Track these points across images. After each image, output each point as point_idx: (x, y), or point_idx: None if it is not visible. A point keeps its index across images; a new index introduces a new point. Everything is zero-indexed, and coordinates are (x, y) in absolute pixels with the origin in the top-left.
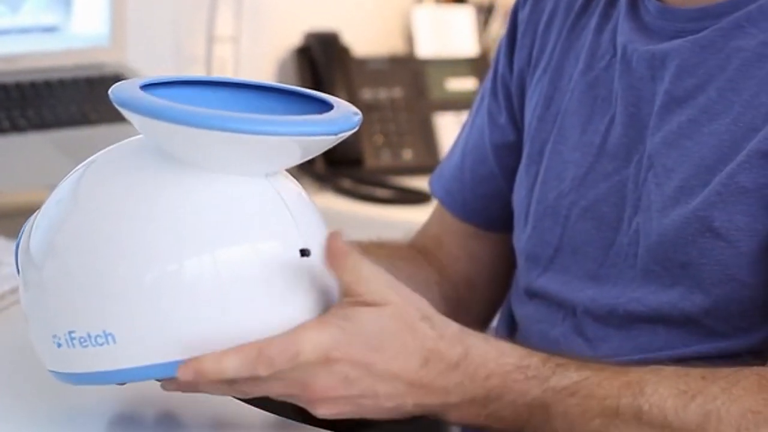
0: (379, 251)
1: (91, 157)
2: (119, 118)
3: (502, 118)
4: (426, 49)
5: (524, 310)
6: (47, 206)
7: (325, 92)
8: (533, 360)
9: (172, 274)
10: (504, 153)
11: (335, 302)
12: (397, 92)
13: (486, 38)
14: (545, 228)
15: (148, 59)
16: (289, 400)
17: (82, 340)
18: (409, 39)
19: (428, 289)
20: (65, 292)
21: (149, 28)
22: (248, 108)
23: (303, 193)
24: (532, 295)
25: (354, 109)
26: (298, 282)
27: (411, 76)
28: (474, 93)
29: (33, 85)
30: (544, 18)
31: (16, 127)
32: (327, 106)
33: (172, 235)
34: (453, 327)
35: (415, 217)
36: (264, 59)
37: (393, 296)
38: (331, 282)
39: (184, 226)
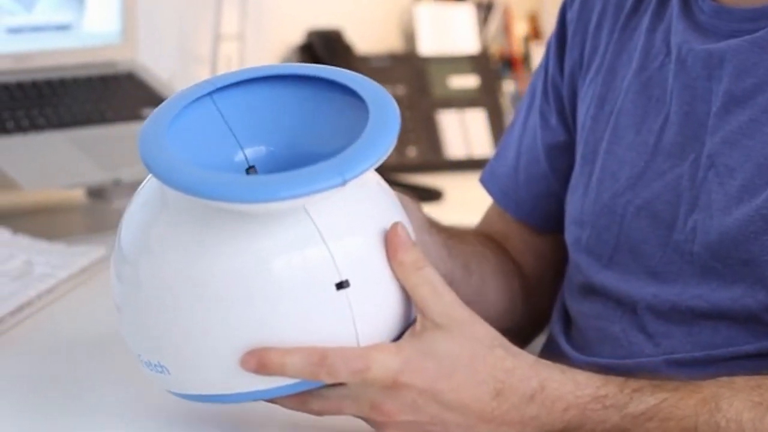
0: (466, 238)
1: None
2: (135, 117)
3: (553, 119)
4: (427, 46)
5: (581, 307)
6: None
7: None
8: (610, 388)
9: (224, 317)
10: (555, 154)
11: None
12: (400, 90)
13: (485, 36)
14: (602, 227)
15: (155, 57)
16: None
17: (146, 363)
18: (411, 37)
19: (512, 279)
20: (133, 323)
21: (155, 27)
22: (294, 110)
23: (356, 206)
24: (589, 291)
25: (391, 134)
26: (339, 315)
27: (413, 73)
28: (475, 91)
29: (49, 84)
30: (594, 18)
31: (35, 126)
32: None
33: (222, 288)
34: (526, 358)
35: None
36: (267, 57)
37: (463, 317)
38: (389, 288)
39: (230, 278)
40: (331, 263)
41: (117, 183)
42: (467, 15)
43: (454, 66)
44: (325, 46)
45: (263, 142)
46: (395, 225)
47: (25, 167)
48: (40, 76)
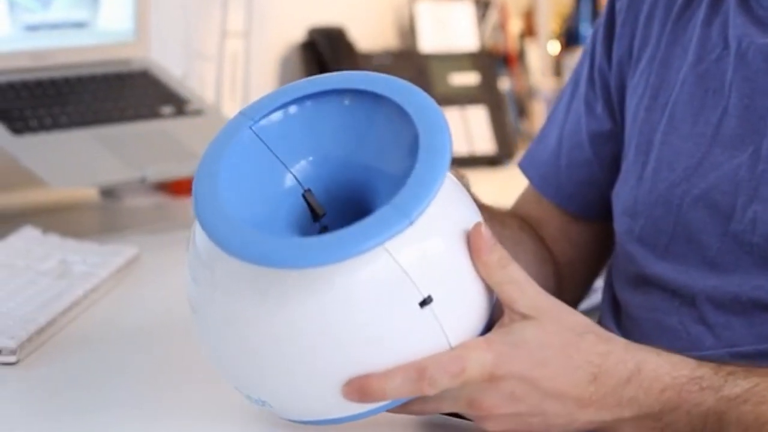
0: (505, 221)
1: None
2: (154, 115)
3: (599, 107)
4: (428, 44)
5: (633, 298)
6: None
7: None
8: (705, 370)
9: (320, 354)
10: (600, 141)
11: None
12: None
13: (484, 33)
14: (658, 216)
15: (161, 54)
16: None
17: (247, 397)
18: (411, 34)
19: (546, 265)
20: (228, 363)
21: (161, 23)
22: (337, 123)
23: (427, 219)
24: (643, 282)
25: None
26: (428, 329)
27: (415, 71)
28: (476, 88)
29: (67, 82)
30: (645, 9)
31: (57, 124)
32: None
33: (312, 332)
34: (619, 342)
35: None
36: (270, 55)
37: (551, 307)
38: (476, 296)
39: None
40: (410, 285)
41: (143, 181)
42: (466, 12)
43: (454, 63)
44: (328, 44)
45: (312, 161)
46: (478, 226)
47: (52, 166)
48: (57, 74)
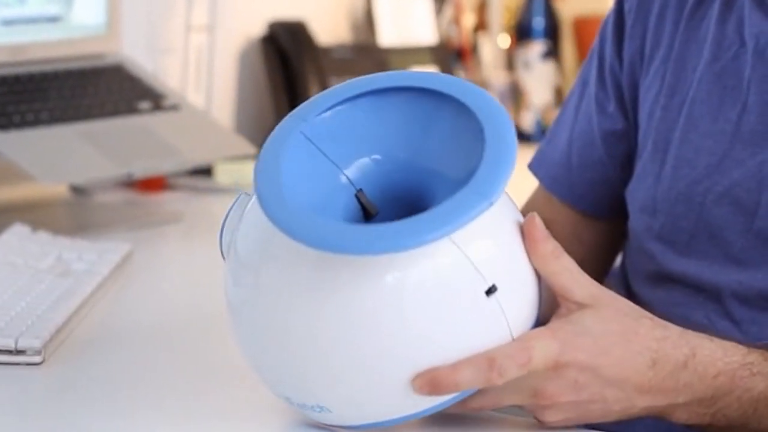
0: None
1: None
2: (133, 110)
3: (611, 107)
4: (388, 37)
5: (654, 295)
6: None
7: (296, 82)
8: (755, 356)
9: (385, 349)
10: (613, 140)
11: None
12: None
13: (441, 26)
14: (678, 214)
15: (126, 48)
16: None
17: (299, 405)
18: (370, 28)
19: None
20: (276, 369)
21: (127, 18)
22: (388, 122)
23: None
24: (664, 279)
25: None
26: (493, 319)
27: (375, 64)
28: None
29: (45, 76)
30: (656, 9)
31: (39, 120)
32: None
33: (372, 318)
34: (674, 327)
35: None
36: (231, 49)
37: (604, 294)
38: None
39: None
40: (476, 274)
41: (129, 178)
42: (424, 6)
43: (413, 57)
44: (289, 38)
45: (366, 160)
46: (532, 217)
47: (41, 162)
48: (35, 69)
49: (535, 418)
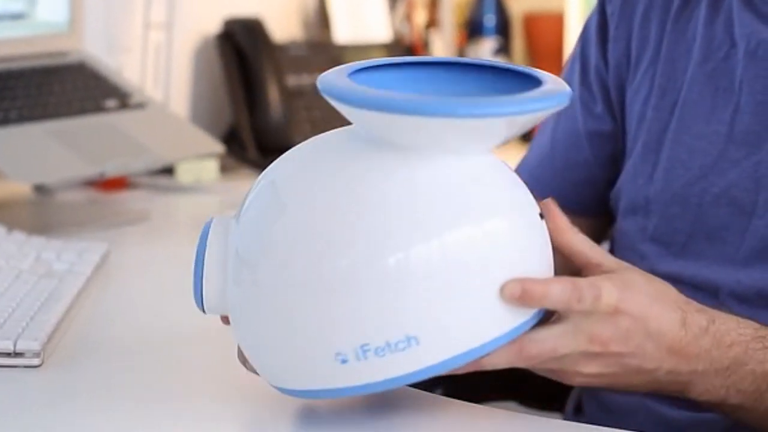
0: None
1: (287, 154)
2: (100, 108)
3: (598, 108)
4: (343, 34)
5: None
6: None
7: (253, 79)
8: (766, 331)
9: (481, 268)
10: (600, 141)
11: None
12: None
13: (394, 23)
14: (674, 215)
15: (85, 46)
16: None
17: (379, 350)
18: (326, 25)
19: None
20: (347, 310)
21: (85, 15)
22: (452, 88)
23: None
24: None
25: (560, 81)
26: (545, 243)
27: (330, 61)
28: None
29: (10, 75)
30: (640, 10)
31: (8, 119)
32: (526, 80)
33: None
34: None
35: None
36: (187, 46)
37: (629, 265)
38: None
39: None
40: (530, 196)
41: (102, 176)
42: (378, 3)
43: (368, 54)
44: (246, 35)
45: None
46: (548, 199)
47: (14, 161)
48: (1, 67)
49: (562, 378)
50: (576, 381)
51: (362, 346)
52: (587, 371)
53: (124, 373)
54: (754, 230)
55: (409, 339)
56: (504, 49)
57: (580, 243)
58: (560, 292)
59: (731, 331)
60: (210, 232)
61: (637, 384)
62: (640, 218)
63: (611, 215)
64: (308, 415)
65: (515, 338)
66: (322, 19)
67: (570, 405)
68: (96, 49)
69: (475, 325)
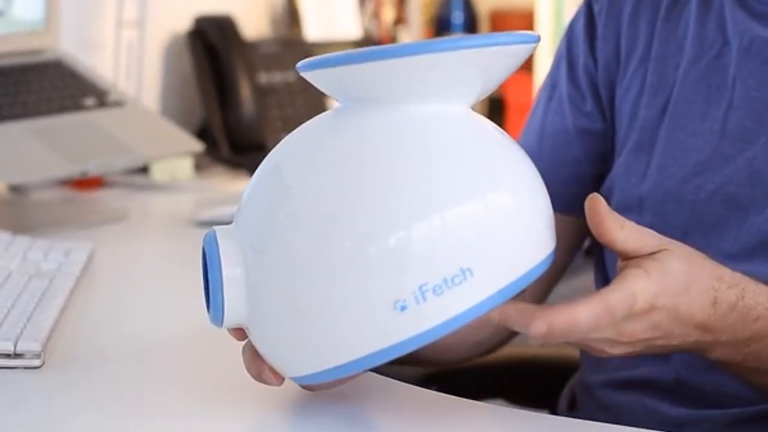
0: None
1: (285, 140)
2: (79, 107)
3: (588, 106)
4: (313, 32)
5: None
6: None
7: (225, 76)
8: None
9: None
10: (589, 139)
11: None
12: (291, 76)
13: (364, 21)
14: (669, 212)
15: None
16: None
17: (437, 288)
18: (296, 22)
19: None
20: (403, 251)
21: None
22: None
23: None
24: None
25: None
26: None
27: (301, 59)
28: None
29: None
30: (628, 9)
31: None
32: None
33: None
34: (726, 268)
35: None
36: (157, 44)
37: (669, 241)
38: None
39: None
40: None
41: (84, 175)
42: (348, 0)
43: (339, 51)
44: (217, 32)
45: None
46: (595, 197)
47: None
48: None
49: (586, 350)
50: (600, 355)
51: (421, 287)
52: (613, 352)
53: (124, 374)
54: (751, 225)
55: (464, 272)
56: None
57: (626, 240)
58: (587, 318)
59: (759, 305)
60: (219, 242)
61: (658, 352)
62: (633, 216)
63: None
64: (303, 414)
65: (545, 313)
66: (291, 16)
67: (563, 402)
68: (68, 46)
69: (523, 249)
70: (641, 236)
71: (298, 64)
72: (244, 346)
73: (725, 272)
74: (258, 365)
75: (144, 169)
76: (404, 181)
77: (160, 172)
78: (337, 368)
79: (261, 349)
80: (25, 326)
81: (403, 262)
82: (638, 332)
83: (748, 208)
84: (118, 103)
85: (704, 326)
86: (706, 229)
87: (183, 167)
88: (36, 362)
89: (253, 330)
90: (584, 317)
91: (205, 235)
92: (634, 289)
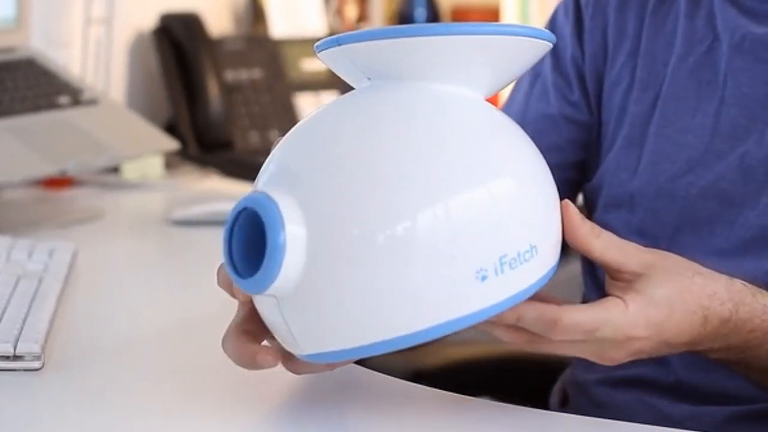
0: None
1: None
2: (53, 105)
3: (575, 96)
4: (279, 29)
5: None
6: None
7: (192, 74)
8: None
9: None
10: (574, 128)
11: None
12: (257, 73)
13: (329, 18)
14: (660, 208)
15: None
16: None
17: (513, 262)
18: (262, 20)
19: None
20: (491, 223)
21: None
22: None
23: None
24: None
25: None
26: None
27: (268, 56)
28: (327, 73)
29: None
30: (615, 2)
31: None
32: None
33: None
34: (720, 280)
35: None
36: (122, 42)
37: (656, 258)
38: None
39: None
40: None
41: (63, 174)
42: None
43: (305, 48)
44: (183, 30)
45: None
46: (566, 203)
47: None
48: None
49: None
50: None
51: (501, 258)
52: (601, 367)
53: (123, 373)
54: (744, 221)
55: (532, 248)
56: None
57: (604, 250)
58: (533, 320)
59: (754, 318)
60: (277, 201)
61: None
62: (624, 212)
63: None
64: (293, 408)
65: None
66: (254, 14)
67: (554, 399)
68: (38, 45)
69: (559, 235)
70: (622, 250)
71: (319, 43)
72: (227, 334)
73: (719, 287)
74: (251, 348)
75: (115, 168)
76: (495, 153)
77: (131, 170)
78: (410, 336)
79: (301, 319)
80: (22, 328)
81: (491, 232)
82: (620, 357)
83: (740, 204)
84: (92, 102)
85: (694, 342)
86: (698, 226)
87: (154, 166)
88: (36, 364)
89: (299, 296)
90: (530, 316)
91: (249, 197)
92: (600, 320)
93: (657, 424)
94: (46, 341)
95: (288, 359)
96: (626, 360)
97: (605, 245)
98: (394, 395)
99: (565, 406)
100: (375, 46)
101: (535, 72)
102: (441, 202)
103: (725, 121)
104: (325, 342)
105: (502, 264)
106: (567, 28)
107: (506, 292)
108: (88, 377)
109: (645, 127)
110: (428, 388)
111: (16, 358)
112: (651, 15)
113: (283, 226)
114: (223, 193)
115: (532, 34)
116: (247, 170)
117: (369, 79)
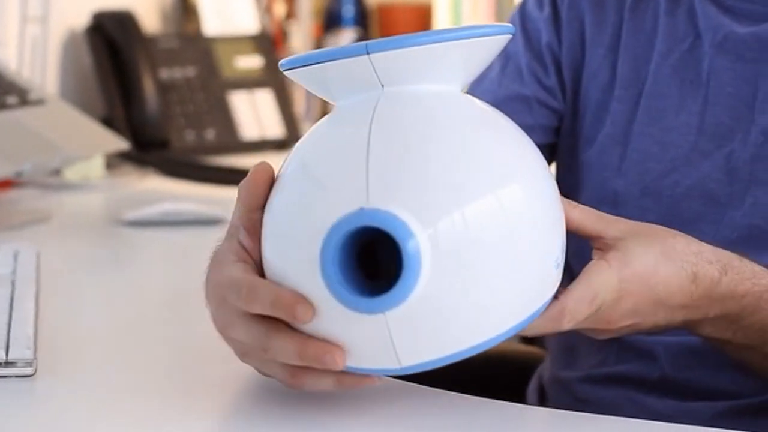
0: None
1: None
2: (2, 105)
3: (551, 81)
4: (212, 27)
5: None
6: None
7: (127, 72)
8: None
9: None
10: (546, 113)
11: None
12: (191, 71)
13: (262, 15)
14: (646, 207)
15: None
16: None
17: (564, 250)
18: (194, 17)
19: None
20: (557, 216)
21: None
22: None
23: None
24: None
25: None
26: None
27: (201, 54)
28: (260, 71)
29: None
30: None
31: None
32: None
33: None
34: (705, 244)
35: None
36: (56, 40)
37: (635, 225)
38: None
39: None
40: None
41: (19, 176)
42: None
43: (237, 46)
44: (117, 28)
45: None
46: None
47: None
48: None
49: (588, 334)
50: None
51: (562, 247)
52: (601, 337)
53: (118, 374)
54: (729, 221)
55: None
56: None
57: (579, 219)
58: (539, 326)
59: (745, 281)
60: (397, 214)
61: (656, 331)
62: (607, 210)
63: None
64: (280, 406)
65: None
66: (184, 12)
67: (532, 397)
68: None
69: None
70: (602, 218)
71: (287, 63)
72: (288, 339)
73: (705, 248)
74: (323, 346)
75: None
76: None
77: (72, 171)
78: (515, 327)
79: (412, 331)
80: (8, 334)
81: (560, 221)
82: (617, 319)
83: (726, 203)
84: (40, 102)
85: (688, 304)
86: (684, 225)
87: (95, 166)
88: (28, 370)
89: (415, 308)
90: (538, 325)
91: (367, 215)
92: (594, 283)
93: (645, 419)
94: (36, 348)
95: (296, 375)
96: (625, 325)
97: (583, 215)
98: (378, 391)
99: (544, 402)
100: (401, 54)
101: (506, 55)
102: (537, 198)
103: (710, 120)
104: (429, 351)
105: (563, 252)
106: (542, 15)
107: (555, 286)
108: (80, 382)
109: (628, 125)
110: (409, 383)
111: (8, 364)
112: (630, 10)
113: (414, 240)
114: (164, 193)
115: (507, 31)
116: (185, 169)
117: (383, 86)
